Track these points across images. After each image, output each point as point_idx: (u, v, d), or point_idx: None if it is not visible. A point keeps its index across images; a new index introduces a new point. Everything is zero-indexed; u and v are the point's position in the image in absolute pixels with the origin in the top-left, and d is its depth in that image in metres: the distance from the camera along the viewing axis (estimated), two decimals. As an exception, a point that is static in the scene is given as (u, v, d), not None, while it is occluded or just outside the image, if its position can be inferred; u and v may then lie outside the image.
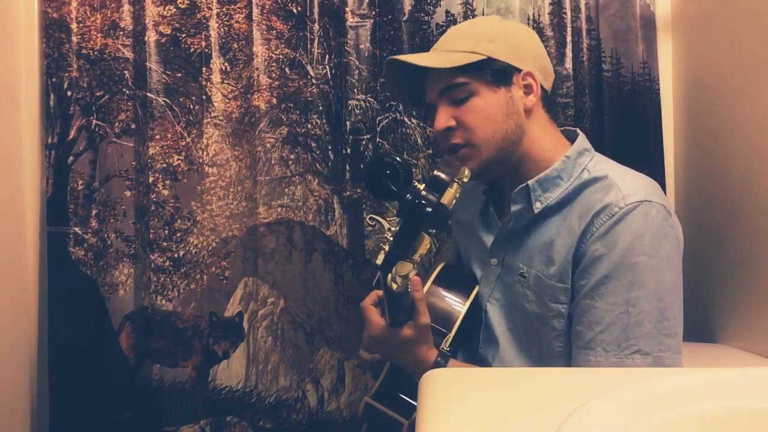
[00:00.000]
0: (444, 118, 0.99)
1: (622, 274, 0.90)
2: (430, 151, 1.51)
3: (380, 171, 0.74)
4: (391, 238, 0.77)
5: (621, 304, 0.90)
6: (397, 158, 0.74)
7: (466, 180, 0.76)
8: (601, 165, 1.00)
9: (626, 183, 0.94)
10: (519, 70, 1.00)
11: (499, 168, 1.01)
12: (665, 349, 0.89)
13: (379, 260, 0.79)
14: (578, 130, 1.05)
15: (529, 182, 0.99)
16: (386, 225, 0.81)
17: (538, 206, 0.99)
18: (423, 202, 0.74)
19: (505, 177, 1.04)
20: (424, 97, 1.05)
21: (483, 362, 1.05)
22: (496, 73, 0.98)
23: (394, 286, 0.78)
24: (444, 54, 0.99)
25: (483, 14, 1.49)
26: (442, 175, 0.76)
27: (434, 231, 0.77)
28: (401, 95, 1.13)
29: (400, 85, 1.08)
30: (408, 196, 0.74)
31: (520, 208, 1.00)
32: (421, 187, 0.75)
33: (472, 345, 1.09)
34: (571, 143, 1.02)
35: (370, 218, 0.85)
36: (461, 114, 0.98)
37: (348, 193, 1.51)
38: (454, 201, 0.76)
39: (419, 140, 1.51)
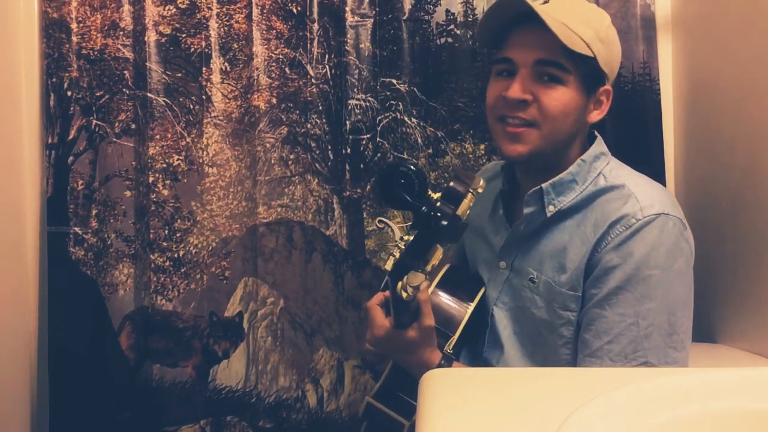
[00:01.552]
0: (523, 87, 0.93)
1: (635, 286, 0.89)
2: (430, 151, 1.50)
3: (394, 180, 0.73)
4: (404, 247, 0.76)
5: (631, 315, 0.89)
6: (412, 167, 0.73)
7: (480, 191, 0.75)
8: (617, 171, 0.99)
9: (644, 194, 0.93)
10: (604, 83, 0.97)
11: (538, 161, 0.97)
12: (672, 362, 0.89)
13: (389, 266, 0.78)
14: (596, 132, 1.03)
15: (543, 185, 0.97)
16: (396, 230, 0.80)
17: (551, 210, 0.97)
18: (439, 214, 0.73)
19: (528, 174, 1.02)
20: (498, 42, 0.98)
21: (487, 366, 1.05)
22: (591, 76, 0.95)
23: (404, 295, 0.77)
24: (563, 25, 0.91)
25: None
26: (459, 187, 0.74)
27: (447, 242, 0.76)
28: (489, 31, 1.00)
29: (495, 20, 0.98)
30: (423, 208, 0.73)
31: (532, 210, 0.99)
32: (436, 197, 0.74)
33: (476, 348, 1.08)
34: (590, 144, 1.01)
35: (379, 221, 0.84)
36: (544, 95, 0.93)
37: (348, 193, 1.51)
38: (468, 212, 0.75)
39: (419, 140, 1.50)
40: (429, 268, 0.76)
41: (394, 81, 1.50)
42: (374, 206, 1.50)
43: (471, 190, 0.74)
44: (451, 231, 0.73)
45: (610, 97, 0.99)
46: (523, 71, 0.93)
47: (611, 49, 0.97)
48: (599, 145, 1.01)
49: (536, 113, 0.93)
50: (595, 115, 0.99)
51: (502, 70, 0.97)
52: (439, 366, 0.94)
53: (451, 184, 0.75)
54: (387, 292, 0.93)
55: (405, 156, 1.49)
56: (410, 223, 0.76)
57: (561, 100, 0.93)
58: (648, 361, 0.89)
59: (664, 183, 1.46)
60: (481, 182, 0.76)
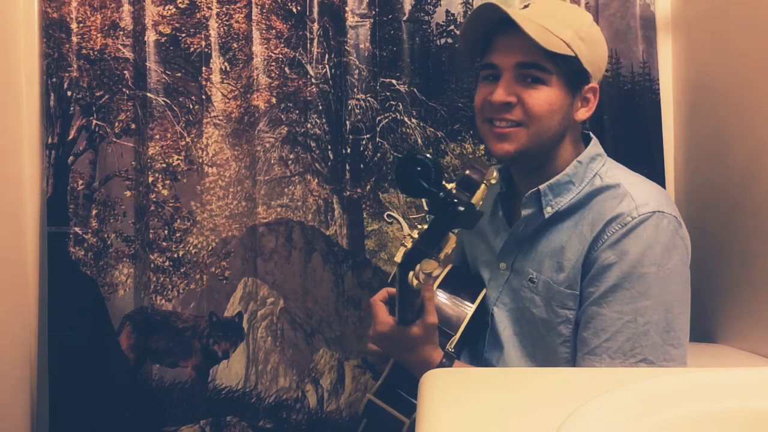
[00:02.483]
0: (506, 90, 0.95)
1: (631, 284, 0.90)
2: (430, 151, 1.50)
3: (411, 168, 0.74)
4: (416, 236, 0.77)
5: (629, 313, 0.90)
6: (428, 156, 0.74)
7: (493, 182, 0.76)
8: (613, 171, 1.00)
9: (639, 192, 0.94)
10: (588, 81, 0.99)
11: (528, 161, 0.99)
12: (670, 359, 0.90)
13: (398, 257, 0.79)
14: (591, 134, 1.04)
15: (540, 187, 0.99)
16: (404, 224, 0.81)
17: (548, 211, 0.99)
18: (455, 201, 0.74)
19: (523, 175, 1.04)
20: (483, 48, 0.99)
21: (487, 366, 1.06)
22: (575, 75, 0.96)
23: (415, 282, 0.78)
24: (542, 28, 0.93)
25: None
26: (474, 176, 0.75)
27: (457, 231, 0.77)
28: (472, 40, 1.02)
29: (476, 28, 1.00)
30: (440, 194, 0.74)
31: (530, 212, 1.00)
32: (452, 186, 0.75)
33: (477, 348, 1.09)
34: (585, 145, 1.02)
35: (388, 215, 0.84)
36: (528, 96, 0.95)
37: (348, 193, 1.51)
38: (481, 202, 0.76)
39: (419, 140, 1.51)
40: (442, 256, 0.77)
41: (394, 81, 1.50)
42: (374, 206, 1.50)
43: (485, 181, 0.75)
44: (466, 217, 0.74)
45: (597, 95, 1.01)
46: (506, 75, 0.96)
47: (594, 48, 0.99)
48: (595, 147, 1.02)
49: (522, 114, 0.96)
50: (583, 113, 1.00)
51: (488, 75, 0.99)
52: (441, 364, 0.95)
53: (467, 172, 0.76)
54: (393, 289, 0.93)
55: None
56: (420, 215, 0.77)
57: (545, 99, 0.95)
58: (646, 358, 0.90)
59: (663, 183, 1.47)
60: (495, 173, 0.77)
